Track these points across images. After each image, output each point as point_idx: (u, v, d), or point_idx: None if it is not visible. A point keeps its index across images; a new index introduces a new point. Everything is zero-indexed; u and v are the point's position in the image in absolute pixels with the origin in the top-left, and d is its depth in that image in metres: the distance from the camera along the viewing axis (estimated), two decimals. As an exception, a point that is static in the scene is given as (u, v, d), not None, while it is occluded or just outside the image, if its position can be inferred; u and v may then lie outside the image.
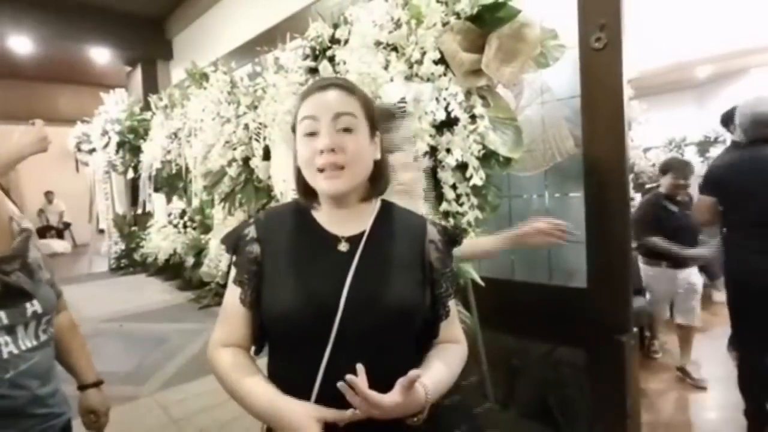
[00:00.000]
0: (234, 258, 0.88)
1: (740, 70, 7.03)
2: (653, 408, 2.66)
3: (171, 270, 5.52)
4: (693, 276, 3.20)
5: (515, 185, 2.40)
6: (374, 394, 0.71)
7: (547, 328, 2.24)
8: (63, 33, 6.22)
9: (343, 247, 0.84)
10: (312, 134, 0.82)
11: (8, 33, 5.92)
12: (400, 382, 0.72)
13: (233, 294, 0.85)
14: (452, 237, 0.94)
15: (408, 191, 1.33)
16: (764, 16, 4.48)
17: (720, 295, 4.27)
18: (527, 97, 2.03)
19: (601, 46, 1.97)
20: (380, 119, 0.98)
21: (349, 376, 0.69)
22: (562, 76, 2.09)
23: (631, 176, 3.61)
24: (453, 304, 0.92)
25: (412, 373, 0.72)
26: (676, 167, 3.26)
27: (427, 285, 0.87)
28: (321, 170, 0.81)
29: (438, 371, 0.84)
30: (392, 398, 0.72)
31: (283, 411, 0.75)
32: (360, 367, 0.71)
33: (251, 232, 0.87)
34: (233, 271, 0.87)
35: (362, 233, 0.85)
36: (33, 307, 0.98)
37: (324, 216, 0.88)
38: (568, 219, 2.21)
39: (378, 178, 0.89)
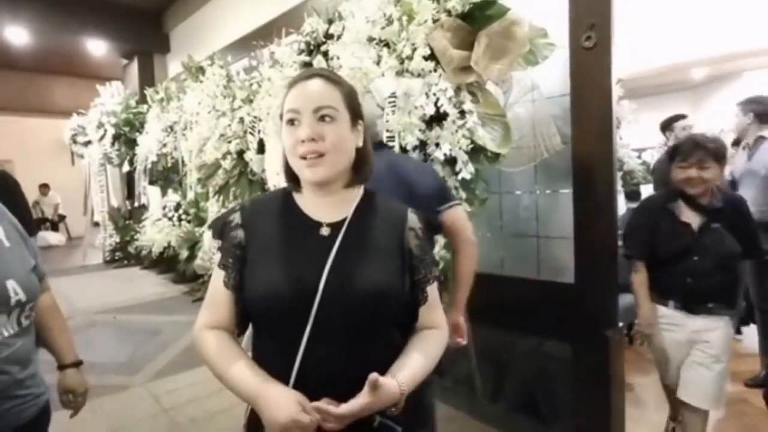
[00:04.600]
0: (219, 243, 0.91)
1: (734, 73, 7.08)
2: (639, 402, 2.69)
3: (165, 263, 5.55)
4: (713, 332, 1.84)
5: (506, 181, 2.42)
6: (343, 408, 0.75)
7: (535, 322, 2.27)
8: (60, 24, 6.21)
9: (325, 231, 0.87)
10: (294, 124, 0.85)
11: (5, 24, 5.89)
12: (366, 384, 0.75)
13: (218, 278, 0.89)
14: (433, 225, 0.98)
15: None
16: (759, 20, 4.52)
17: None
18: (516, 94, 2.06)
19: (591, 45, 1.99)
20: None
21: (315, 405, 0.75)
22: (553, 75, 2.12)
23: (620, 174, 3.66)
24: (433, 290, 0.95)
25: (372, 376, 0.75)
26: (684, 149, 1.86)
27: (406, 271, 0.90)
28: (303, 158, 0.84)
29: (413, 362, 0.87)
30: (362, 401, 0.76)
31: (270, 395, 0.78)
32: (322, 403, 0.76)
33: (236, 218, 0.90)
34: (218, 256, 0.90)
35: (344, 219, 0.88)
36: (17, 296, 1.00)
37: (308, 202, 0.91)
38: (559, 215, 2.25)
39: (361, 165, 0.92)
